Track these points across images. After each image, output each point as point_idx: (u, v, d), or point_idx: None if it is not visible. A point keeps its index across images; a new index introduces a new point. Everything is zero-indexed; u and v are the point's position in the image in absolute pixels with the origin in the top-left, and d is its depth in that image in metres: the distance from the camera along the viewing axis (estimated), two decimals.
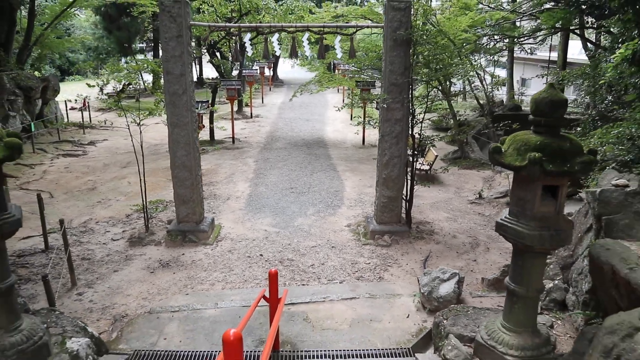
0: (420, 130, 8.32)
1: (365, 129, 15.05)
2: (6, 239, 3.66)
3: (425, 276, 5.83)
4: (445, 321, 4.70)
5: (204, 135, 14.29)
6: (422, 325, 5.32)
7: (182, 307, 5.75)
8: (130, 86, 9.70)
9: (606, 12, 9.22)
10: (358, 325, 5.34)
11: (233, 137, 15.78)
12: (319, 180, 11.48)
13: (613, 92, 7.16)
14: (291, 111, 22.06)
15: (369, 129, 14.04)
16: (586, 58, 14.01)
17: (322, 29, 8.19)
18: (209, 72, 33.01)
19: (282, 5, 14.80)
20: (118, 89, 8.84)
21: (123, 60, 29.24)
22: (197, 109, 8.83)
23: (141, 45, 34.72)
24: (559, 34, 16.25)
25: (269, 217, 9.01)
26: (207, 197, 9.75)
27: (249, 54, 11.83)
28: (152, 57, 29.41)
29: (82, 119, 18.05)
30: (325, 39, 8.50)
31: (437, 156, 11.45)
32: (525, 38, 15.45)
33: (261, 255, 7.38)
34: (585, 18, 12.66)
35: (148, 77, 26.90)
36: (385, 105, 7.58)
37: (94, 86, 9.00)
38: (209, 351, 4.80)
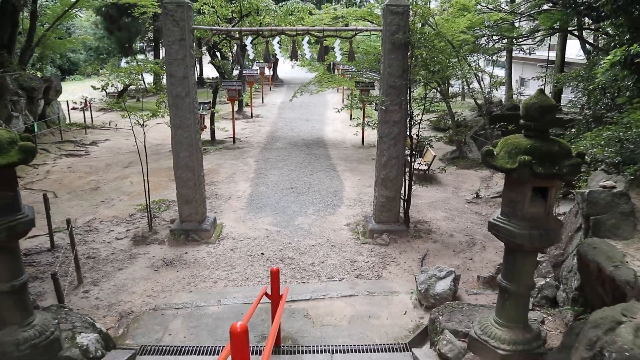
0: (418, 131, 8.48)
1: (365, 129, 15.20)
2: (20, 238, 3.83)
3: (422, 274, 6.00)
4: (440, 317, 4.87)
5: (205, 135, 14.44)
6: (419, 321, 5.49)
7: (186, 304, 5.92)
8: (132, 86, 9.86)
9: (603, 14, 9.37)
10: (357, 321, 5.51)
11: (234, 137, 15.94)
12: (319, 180, 11.65)
13: (607, 94, 7.32)
14: (291, 111, 22.21)
15: (368, 129, 14.20)
16: (585, 58, 14.17)
17: (322, 32, 8.35)
18: (210, 72, 33.16)
19: (282, 6, 14.92)
20: (119, 90, 9.01)
21: (124, 60, 29.37)
22: (199, 110, 9.00)
23: (141, 45, 34.82)
24: (557, 34, 16.40)
25: (270, 217, 9.17)
26: (209, 197, 9.91)
27: (251, 57, 11.99)
28: (152, 57, 29.59)
29: (85, 119, 18.22)
30: (325, 41, 8.65)
31: (435, 156, 11.62)
32: (524, 39, 15.62)
33: (262, 253, 7.55)
34: (583, 19, 12.80)
35: (148, 77, 27.07)
36: (383, 107, 7.74)
37: (98, 88, 9.15)
38: (212, 346, 4.98)
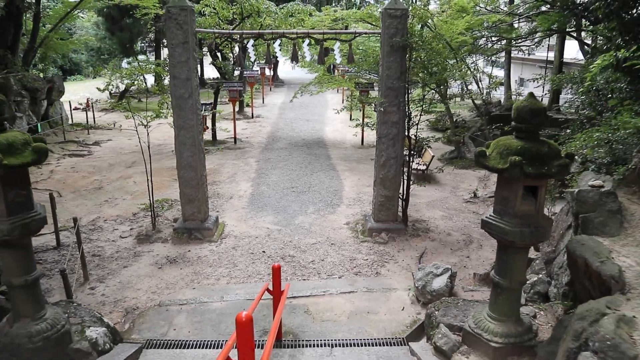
0: (416, 132, 8.65)
1: (364, 130, 15.36)
2: (33, 235, 4.01)
3: (420, 271, 6.17)
4: (436, 312, 5.04)
5: (206, 135, 14.60)
6: (416, 317, 5.66)
7: (190, 300, 6.09)
8: (134, 86, 10.00)
9: (600, 16, 9.51)
10: (356, 317, 5.68)
11: (235, 138, 16.11)
12: (319, 179, 11.82)
13: (600, 95, 7.47)
14: (291, 111, 22.38)
15: (368, 129, 14.36)
16: (584, 59, 14.32)
17: (321, 35, 8.51)
18: (210, 72, 33.31)
19: (282, 8, 15.09)
20: (121, 90, 9.17)
21: (125, 60, 29.52)
22: (201, 111, 9.18)
23: (142, 45, 34.98)
24: (556, 35, 16.55)
25: (271, 216, 9.34)
26: (211, 196, 10.08)
27: (252, 60, 12.16)
28: (153, 58, 29.73)
29: (87, 119, 18.39)
30: (325, 42, 8.82)
31: (433, 156, 11.79)
32: (522, 40, 15.77)
33: (264, 251, 7.72)
34: (582, 20, 12.93)
35: (149, 77, 27.20)
36: (382, 109, 7.91)
37: (103, 90, 9.31)
38: (216, 340, 5.14)
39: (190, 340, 5.15)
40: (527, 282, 5.23)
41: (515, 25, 15.75)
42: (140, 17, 16.09)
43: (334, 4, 31.77)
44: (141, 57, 30.95)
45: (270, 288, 4.90)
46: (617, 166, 4.87)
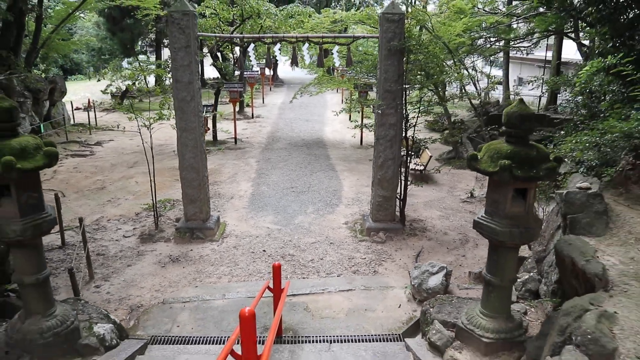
0: (414, 133, 8.82)
1: (363, 130, 15.52)
2: (44, 235, 4.18)
3: (416, 270, 6.35)
4: (431, 309, 5.21)
5: (207, 136, 14.76)
6: (412, 314, 5.84)
7: (193, 298, 6.27)
8: (135, 87, 10.15)
9: (592, 22, 9.67)
10: (354, 314, 5.86)
11: (235, 138, 16.28)
12: (319, 179, 12.00)
13: (594, 98, 7.64)
14: (291, 111, 22.55)
15: (367, 130, 14.53)
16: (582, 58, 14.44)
17: (321, 39, 8.68)
18: (211, 72, 33.46)
19: (282, 10, 15.24)
20: (122, 91, 9.34)
21: (125, 60, 29.65)
22: (203, 113, 9.34)
23: (142, 45, 35.10)
24: (554, 36, 16.70)
25: (271, 215, 9.52)
26: (212, 196, 10.26)
27: (252, 62, 12.34)
28: (154, 58, 29.89)
29: (89, 119, 18.56)
30: (324, 45, 8.99)
31: (431, 157, 11.96)
32: (520, 40, 15.93)
33: (264, 250, 7.90)
34: (579, 22, 13.07)
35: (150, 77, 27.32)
36: (379, 111, 8.07)
37: (108, 92, 9.48)
38: (218, 336, 5.32)
39: (194, 337, 5.33)
40: (519, 280, 5.41)
41: (514, 26, 15.91)
42: (141, 18, 16.25)
43: (333, 4, 31.93)
44: (142, 57, 31.12)
45: (271, 286, 5.07)
46: (605, 168, 5.04)
